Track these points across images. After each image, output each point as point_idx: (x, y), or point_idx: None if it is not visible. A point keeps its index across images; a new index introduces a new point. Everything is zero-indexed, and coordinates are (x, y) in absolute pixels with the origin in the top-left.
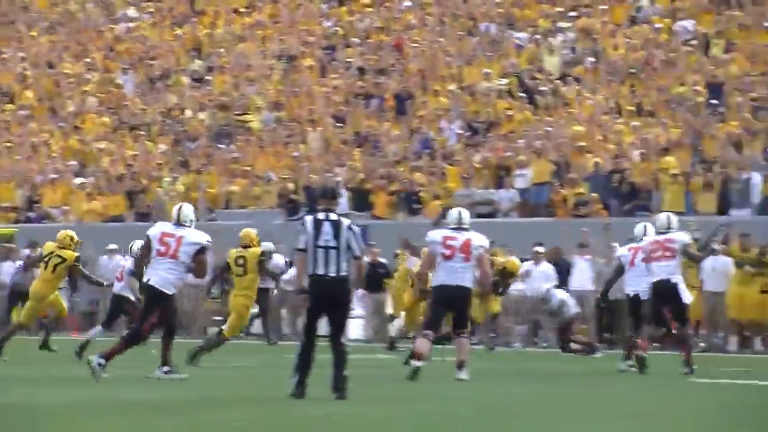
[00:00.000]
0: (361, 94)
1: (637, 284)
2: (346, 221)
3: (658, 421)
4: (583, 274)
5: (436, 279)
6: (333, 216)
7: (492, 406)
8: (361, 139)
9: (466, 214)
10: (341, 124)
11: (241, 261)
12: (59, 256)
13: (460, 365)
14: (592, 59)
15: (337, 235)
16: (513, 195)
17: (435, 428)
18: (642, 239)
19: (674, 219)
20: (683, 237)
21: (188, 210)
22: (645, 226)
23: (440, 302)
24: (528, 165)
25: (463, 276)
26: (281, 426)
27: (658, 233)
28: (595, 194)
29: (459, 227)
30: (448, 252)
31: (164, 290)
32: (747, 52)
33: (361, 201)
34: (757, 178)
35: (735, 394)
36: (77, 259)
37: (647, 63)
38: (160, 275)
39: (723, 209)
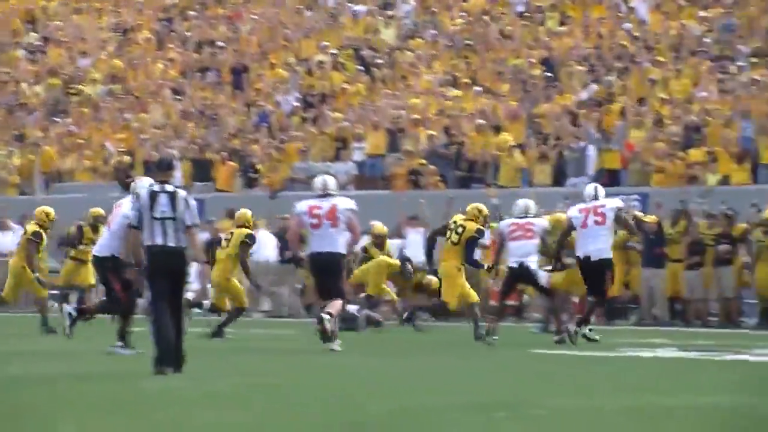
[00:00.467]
0: (198, 67)
1: (588, 246)
2: (182, 192)
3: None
4: (416, 246)
5: (307, 249)
6: (169, 187)
7: (343, 377)
8: (199, 113)
9: (331, 181)
10: (179, 97)
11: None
12: None
13: (332, 336)
14: (431, 31)
15: (173, 206)
16: (350, 167)
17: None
18: (592, 200)
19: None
20: (542, 222)
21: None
22: (596, 187)
23: (314, 271)
24: (364, 138)
25: (333, 242)
26: (110, 400)
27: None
28: (432, 167)
29: (325, 194)
30: (315, 221)
31: None
32: (581, 25)
33: (202, 173)
34: (591, 150)
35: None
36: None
37: (483, 36)
38: None
39: (559, 181)
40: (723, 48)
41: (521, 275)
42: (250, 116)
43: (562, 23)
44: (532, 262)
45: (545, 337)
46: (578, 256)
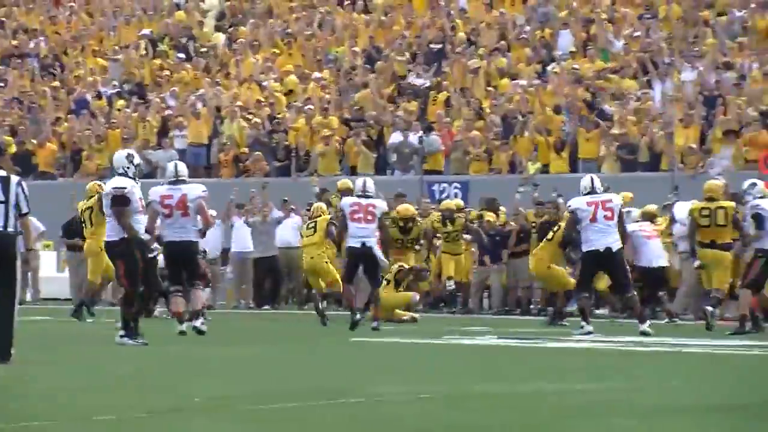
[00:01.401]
0: (16, 54)
1: (596, 240)
2: (15, 178)
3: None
4: (243, 234)
5: (164, 238)
6: (1, 172)
7: (164, 365)
8: (17, 101)
9: (182, 167)
10: (1, 85)
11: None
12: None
13: (195, 315)
14: (252, 20)
15: (6, 190)
16: (172, 155)
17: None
18: (589, 192)
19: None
20: (382, 204)
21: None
22: (592, 179)
23: (170, 260)
24: (186, 126)
25: (186, 231)
26: None
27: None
28: (257, 153)
29: (176, 181)
30: (166, 211)
31: None
32: (404, 15)
33: (24, 161)
34: (414, 138)
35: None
36: None
37: (306, 24)
38: None
39: (380, 169)
40: (543, 38)
41: (363, 256)
42: (70, 104)
43: (385, 13)
44: (374, 243)
45: (365, 326)
46: (592, 250)
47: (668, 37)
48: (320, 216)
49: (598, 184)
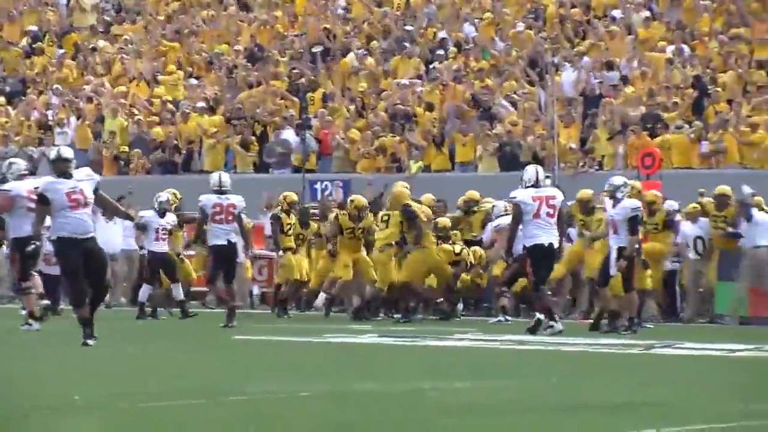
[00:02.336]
0: None
1: (539, 236)
2: None
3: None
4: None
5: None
6: None
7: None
8: None
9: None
10: None
11: None
12: None
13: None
14: (137, 17)
15: None
16: (55, 151)
17: None
18: (533, 185)
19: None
20: (240, 201)
21: None
22: (537, 171)
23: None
24: (68, 123)
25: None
26: None
27: None
28: (136, 150)
29: (222, 191)
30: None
31: None
32: (289, 13)
33: None
34: (293, 136)
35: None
36: None
37: (188, 23)
38: None
39: (261, 168)
40: (427, 36)
41: (227, 254)
42: None
43: (267, 11)
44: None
45: (249, 324)
46: (538, 244)
47: (551, 37)
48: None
49: (542, 176)
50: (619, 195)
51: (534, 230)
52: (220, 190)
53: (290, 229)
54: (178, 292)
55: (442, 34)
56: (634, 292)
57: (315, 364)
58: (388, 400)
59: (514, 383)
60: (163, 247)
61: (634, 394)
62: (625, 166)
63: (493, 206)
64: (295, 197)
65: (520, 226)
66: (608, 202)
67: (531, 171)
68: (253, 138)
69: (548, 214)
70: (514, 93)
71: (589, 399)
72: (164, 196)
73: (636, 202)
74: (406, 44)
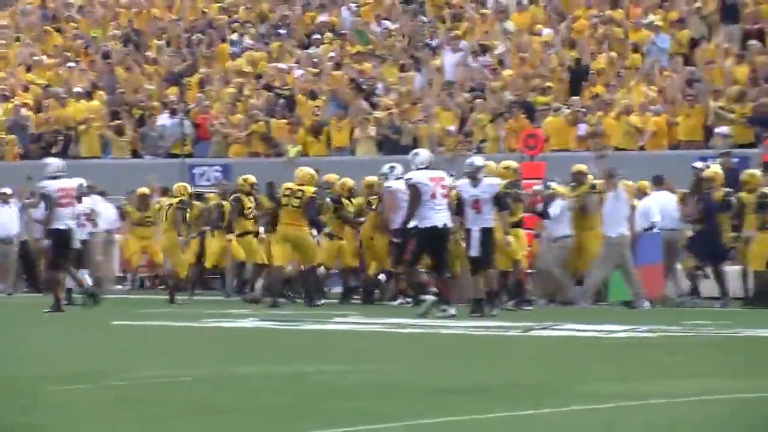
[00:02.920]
0: None
1: (433, 217)
2: None
3: None
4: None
5: None
6: None
7: None
8: None
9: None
10: None
11: None
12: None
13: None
14: (14, 4)
15: None
16: None
17: None
18: (427, 167)
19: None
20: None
21: None
22: (429, 152)
23: None
24: None
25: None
26: None
27: None
28: (12, 136)
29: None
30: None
31: None
32: None
33: None
34: (169, 121)
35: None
36: None
37: (65, 8)
38: None
39: (139, 153)
40: (305, 21)
41: (68, 239)
42: None
43: None
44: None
45: (128, 309)
46: (431, 226)
47: (430, 21)
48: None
49: (433, 159)
50: (480, 175)
51: (428, 212)
52: (58, 176)
53: (250, 212)
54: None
55: (322, 18)
56: (490, 270)
57: (196, 348)
58: (271, 384)
59: (396, 366)
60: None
61: (512, 375)
62: (505, 149)
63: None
64: (254, 179)
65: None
66: (467, 183)
67: (425, 154)
68: (130, 124)
69: (442, 195)
70: (393, 77)
71: (468, 381)
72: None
73: (499, 179)
74: (282, 30)
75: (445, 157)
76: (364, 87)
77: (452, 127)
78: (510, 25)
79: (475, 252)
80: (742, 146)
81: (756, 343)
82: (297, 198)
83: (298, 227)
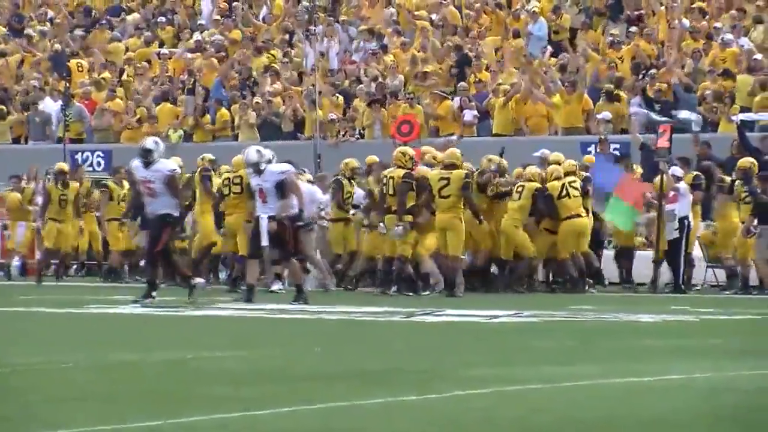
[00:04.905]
0: None
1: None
2: None
3: None
4: None
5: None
6: None
7: None
8: None
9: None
10: None
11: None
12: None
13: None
14: None
15: None
16: None
17: None
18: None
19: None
20: None
21: None
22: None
23: None
24: None
25: None
26: None
27: None
28: None
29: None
30: None
31: None
32: None
33: None
34: (53, 108)
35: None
36: None
37: None
38: None
39: (21, 138)
40: (187, 5)
41: None
42: None
43: None
44: None
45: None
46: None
47: (313, 6)
48: None
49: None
50: (263, 166)
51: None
52: None
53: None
54: None
55: (204, 4)
56: (293, 260)
57: (76, 335)
58: (151, 370)
59: (278, 352)
60: None
61: (394, 361)
62: (384, 135)
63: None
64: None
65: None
66: (251, 172)
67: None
68: (13, 108)
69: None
70: (275, 63)
71: (350, 367)
72: None
73: (285, 167)
74: (166, 15)
75: (328, 144)
76: (248, 72)
77: (334, 115)
78: (394, 10)
79: (265, 241)
80: (623, 131)
81: (628, 329)
82: (236, 185)
83: (240, 214)
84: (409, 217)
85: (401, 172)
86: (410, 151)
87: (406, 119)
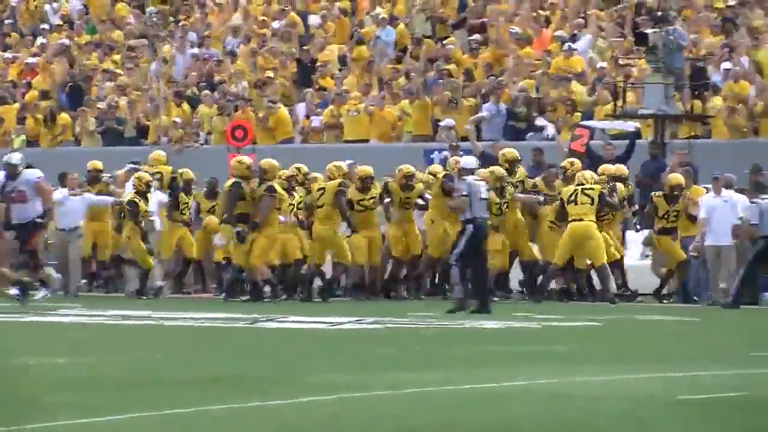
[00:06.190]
0: None
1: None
2: None
3: None
4: None
5: None
6: None
7: None
8: None
9: None
10: None
11: None
12: None
13: None
14: None
15: None
16: None
17: None
18: None
19: None
20: None
21: None
22: None
23: None
24: None
25: None
26: None
27: None
28: None
29: None
30: None
31: None
32: None
33: None
34: None
35: None
36: None
37: None
38: None
39: None
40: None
41: None
42: None
43: None
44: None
45: None
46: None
47: (158, 12)
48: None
49: None
50: (20, 169)
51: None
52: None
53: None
54: None
55: (47, 8)
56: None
57: None
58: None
59: (120, 358)
60: None
61: (238, 367)
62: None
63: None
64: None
65: None
66: (4, 177)
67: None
68: None
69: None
70: (119, 68)
71: (194, 373)
72: None
73: (38, 172)
74: (8, 19)
75: (173, 150)
76: (90, 78)
77: (178, 119)
78: (239, 17)
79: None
80: (464, 139)
81: (472, 335)
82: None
83: None
84: (241, 225)
85: (232, 181)
86: (247, 160)
87: (240, 124)
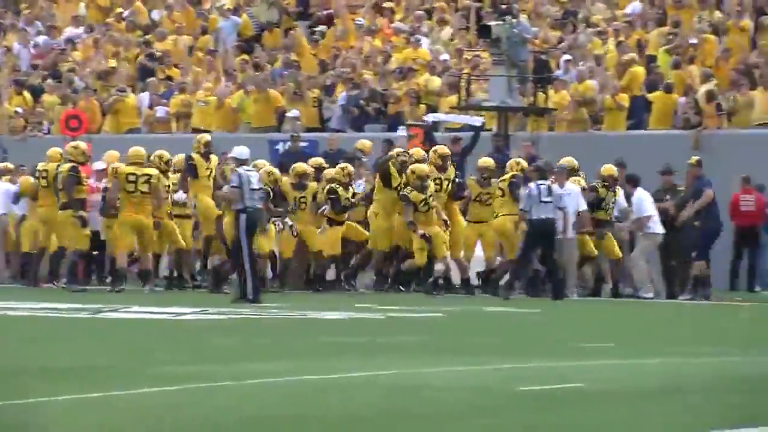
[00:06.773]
0: None
1: None
2: None
3: None
4: None
5: None
6: None
7: None
8: None
9: None
10: None
11: None
12: None
13: None
14: None
15: None
16: None
17: None
18: None
19: None
20: None
21: None
22: None
23: None
24: None
25: None
26: None
27: None
28: None
29: None
30: None
31: None
32: None
33: None
34: None
35: None
36: None
37: None
38: None
39: None
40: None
41: None
42: None
43: None
44: None
45: None
46: None
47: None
48: None
49: None
50: None
51: None
52: None
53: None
54: None
55: None
56: None
57: None
58: None
59: None
60: None
61: (80, 358)
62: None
63: None
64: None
65: None
66: None
67: None
68: None
69: None
70: None
71: (35, 363)
72: None
73: None
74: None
75: (14, 139)
76: None
77: (19, 109)
78: (82, 8)
79: None
80: (309, 130)
81: (316, 326)
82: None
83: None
84: (80, 211)
85: (68, 166)
86: (82, 145)
87: (75, 114)
